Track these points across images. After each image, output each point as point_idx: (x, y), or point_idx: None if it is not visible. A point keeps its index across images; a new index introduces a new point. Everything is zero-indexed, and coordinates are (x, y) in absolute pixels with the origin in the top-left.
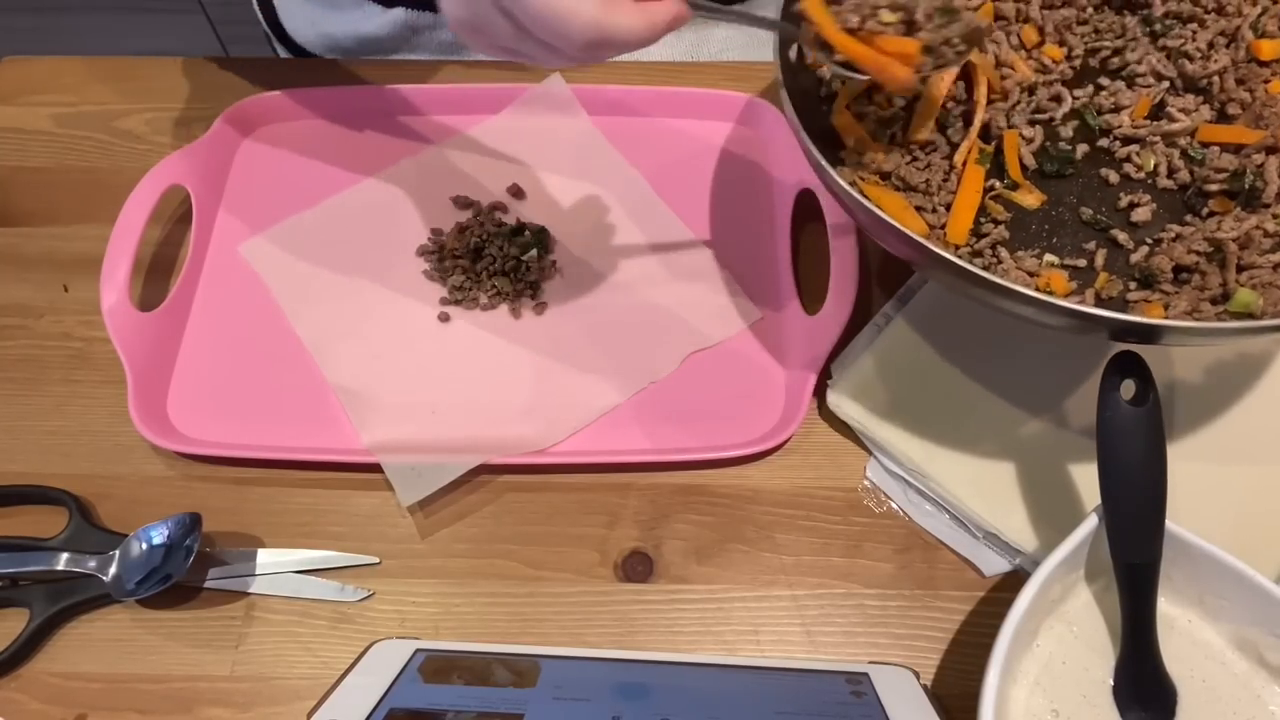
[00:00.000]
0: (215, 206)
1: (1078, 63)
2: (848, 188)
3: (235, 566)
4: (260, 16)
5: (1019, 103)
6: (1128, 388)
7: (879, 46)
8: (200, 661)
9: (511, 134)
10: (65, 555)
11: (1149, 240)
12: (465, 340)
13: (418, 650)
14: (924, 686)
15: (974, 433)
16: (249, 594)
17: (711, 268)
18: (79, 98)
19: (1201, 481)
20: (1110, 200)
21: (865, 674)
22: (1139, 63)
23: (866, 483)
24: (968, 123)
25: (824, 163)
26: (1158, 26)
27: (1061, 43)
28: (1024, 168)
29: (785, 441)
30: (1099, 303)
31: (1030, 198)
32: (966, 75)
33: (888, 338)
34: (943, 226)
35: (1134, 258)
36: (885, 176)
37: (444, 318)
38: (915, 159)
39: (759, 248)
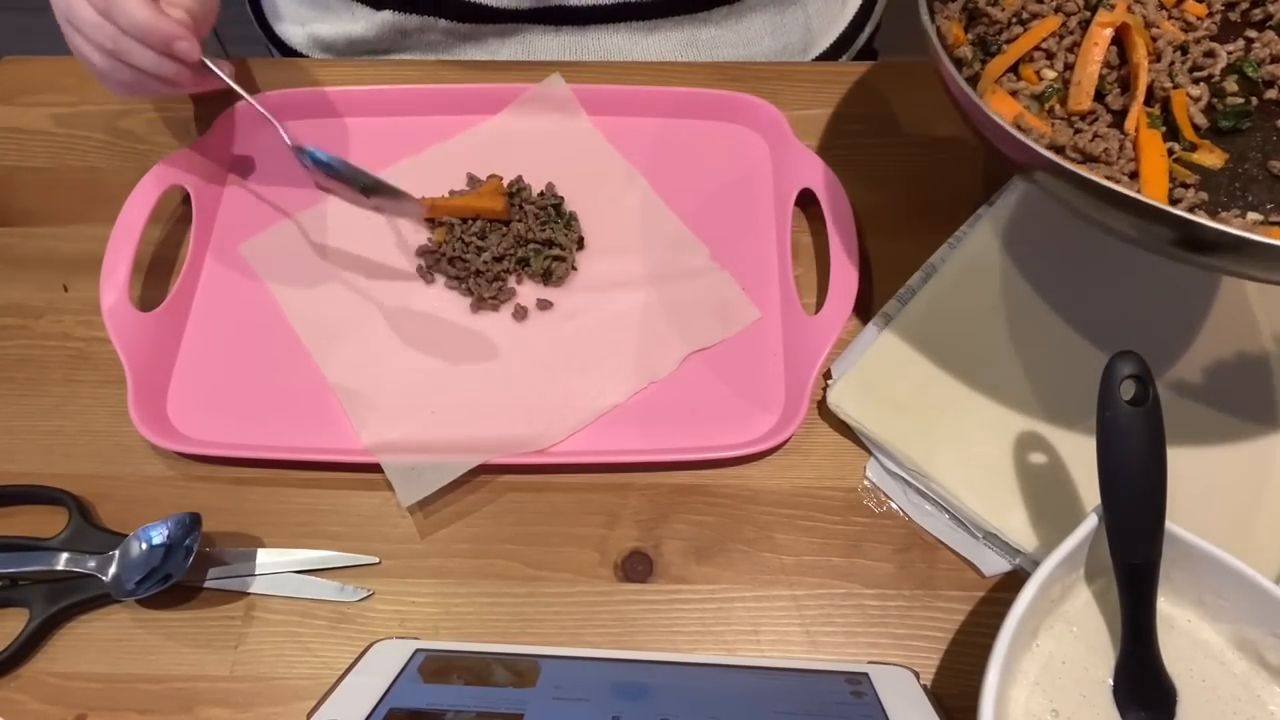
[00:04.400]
0: (215, 206)
1: (1218, 18)
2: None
3: (235, 566)
4: (252, 17)
5: (1174, 62)
6: (1128, 387)
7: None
8: (200, 661)
9: (511, 134)
10: (65, 555)
11: None
12: (465, 340)
13: (418, 650)
14: (924, 686)
15: (974, 433)
16: (249, 594)
17: (711, 268)
18: (79, 98)
19: (1201, 481)
20: None
21: (865, 674)
22: None
23: (866, 483)
24: (1124, 88)
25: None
26: None
27: None
28: (1195, 127)
29: (785, 441)
30: None
31: (1212, 157)
32: (1119, 39)
33: (888, 338)
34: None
35: None
36: (1059, 151)
37: (444, 317)
38: (1079, 131)
39: (759, 248)
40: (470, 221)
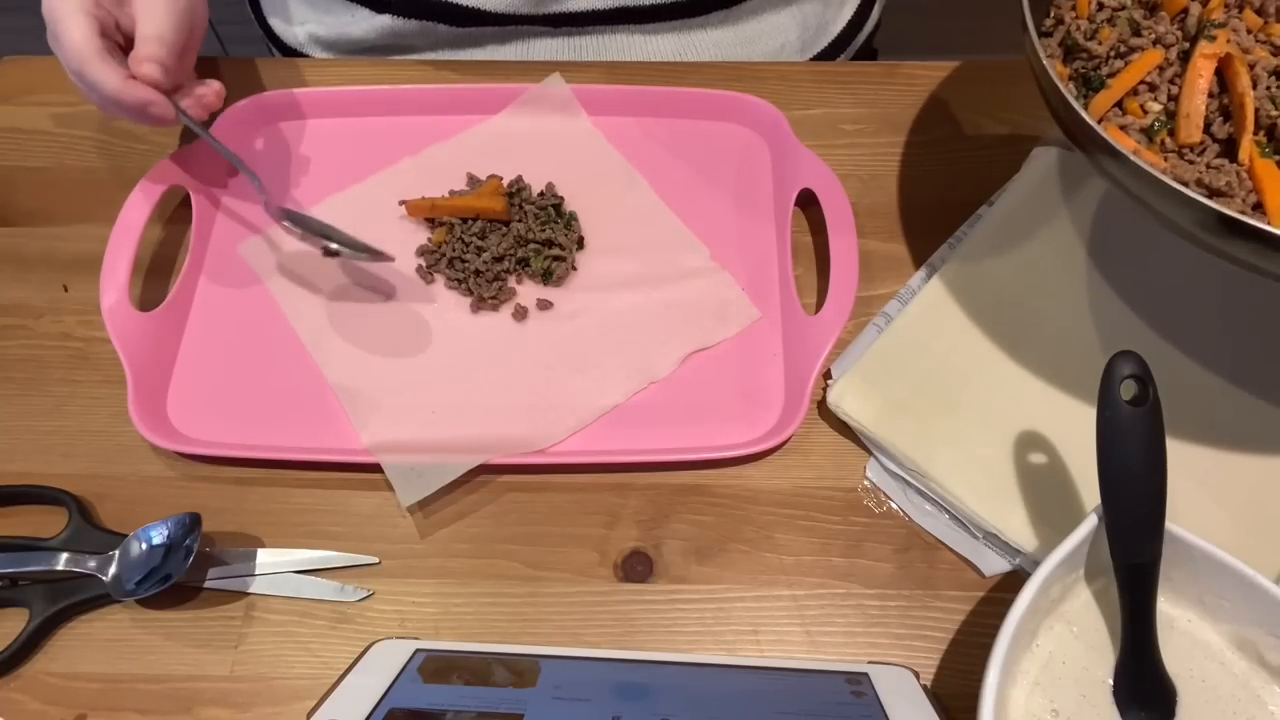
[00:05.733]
0: (215, 206)
1: None
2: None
3: (235, 566)
4: (252, 16)
5: (1270, 87)
6: (1128, 388)
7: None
8: (200, 661)
9: (511, 134)
10: (65, 555)
11: None
12: (465, 340)
13: (418, 650)
14: (924, 686)
15: (974, 433)
16: (249, 594)
17: (711, 268)
18: (79, 98)
19: (1201, 481)
20: None
21: (865, 674)
22: None
23: (866, 483)
24: (1225, 116)
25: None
26: None
27: None
28: None
29: (785, 441)
30: None
31: None
32: (1219, 69)
33: (888, 338)
34: None
35: None
36: (1183, 185)
37: (444, 317)
38: (1191, 162)
39: (759, 248)
40: (470, 221)
